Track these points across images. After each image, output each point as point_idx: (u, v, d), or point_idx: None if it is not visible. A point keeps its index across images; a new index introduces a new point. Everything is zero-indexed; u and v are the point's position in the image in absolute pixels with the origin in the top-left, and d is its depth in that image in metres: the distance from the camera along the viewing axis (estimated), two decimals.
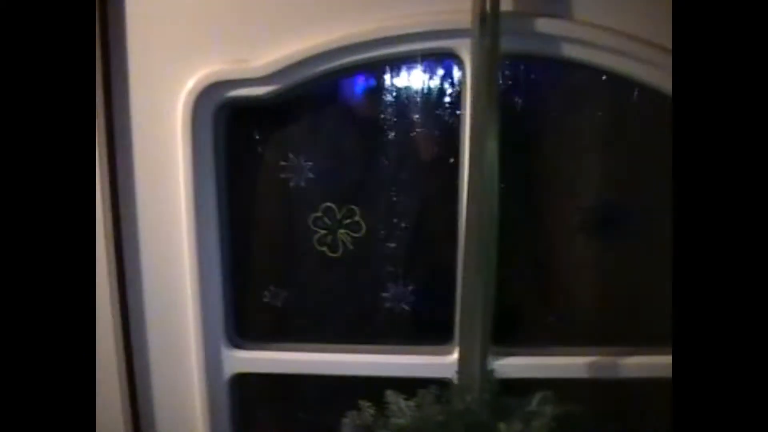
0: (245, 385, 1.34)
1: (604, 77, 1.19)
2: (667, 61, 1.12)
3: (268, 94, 1.18)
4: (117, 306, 1.25)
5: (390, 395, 1.17)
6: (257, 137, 1.27)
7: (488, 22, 1.05)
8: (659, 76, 1.15)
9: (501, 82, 1.19)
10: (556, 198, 1.29)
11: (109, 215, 1.21)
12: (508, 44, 1.09)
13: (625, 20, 1.13)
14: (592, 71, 1.17)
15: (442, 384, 1.19)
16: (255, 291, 1.33)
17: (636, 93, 1.20)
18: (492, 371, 1.17)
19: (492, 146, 1.05)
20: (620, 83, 1.18)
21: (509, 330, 1.28)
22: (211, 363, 1.29)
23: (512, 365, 1.26)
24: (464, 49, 1.14)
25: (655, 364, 1.28)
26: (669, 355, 1.22)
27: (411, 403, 1.10)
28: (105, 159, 1.19)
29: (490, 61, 1.05)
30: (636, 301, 1.33)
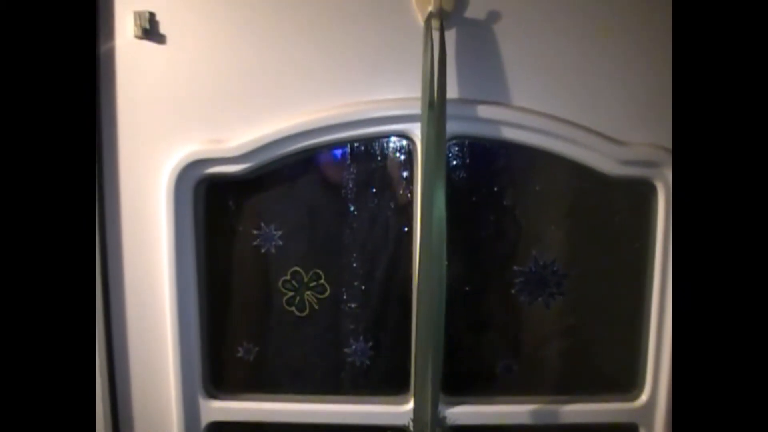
0: None
1: (539, 154, 1.28)
2: (590, 140, 1.24)
3: (242, 170, 1.27)
4: (104, 358, 1.33)
5: None
6: (232, 208, 1.35)
7: (436, 108, 1.14)
8: (586, 154, 1.26)
9: (448, 160, 1.29)
10: (499, 261, 1.37)
11: (99, 277, 1.30)
12: (453, 128, 1.21)
13: (555, 105, 1.25)
14: (530, 150, 1.27)
15: (399, 430, 1.30)
16: (229, 346, 1.39)
17: (568, 168, 1.29)
18: (444, 418, 1.27)
19: (440, 215, 1.13)
20: (554, 159, 1.28)
21: (462, 380, 1.36)
22: (189, 412, 1.35)
23: (463, 413, 1.33)
24: (416, 131, 1.24)
25: (596, 410, 1.36)
26: (609, 401, 1.36)
27: None
28: (97, 227, 1.28)
29: (437, 142, 1.14)
30: (578, 350, 1.41)
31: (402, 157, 1.33)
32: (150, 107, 1.27)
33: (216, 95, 1.26)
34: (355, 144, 1.33)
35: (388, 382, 1.39)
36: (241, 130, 1.26)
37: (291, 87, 1.26)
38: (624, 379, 1.39)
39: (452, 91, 1.21)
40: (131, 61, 1.26)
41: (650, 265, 1.33)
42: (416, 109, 1.18)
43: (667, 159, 1.25)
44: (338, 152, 1.34)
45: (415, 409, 1.21)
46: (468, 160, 1.33)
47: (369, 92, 1.26)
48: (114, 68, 1.26)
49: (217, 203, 1.34)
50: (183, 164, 1.26)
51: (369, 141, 1.32)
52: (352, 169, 1.34)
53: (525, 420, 1.36)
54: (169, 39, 1.25)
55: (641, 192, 1.31)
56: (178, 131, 1.27)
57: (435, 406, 1.18)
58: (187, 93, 1.26)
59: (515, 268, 1.36)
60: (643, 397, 1.36)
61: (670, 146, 1.24)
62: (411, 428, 1.22)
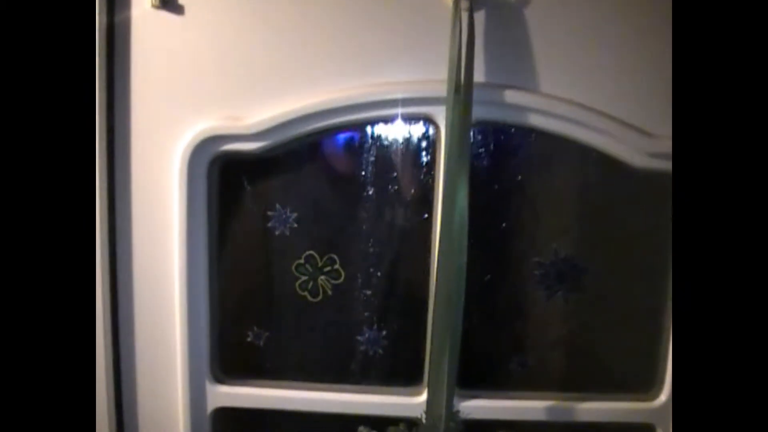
0: (227, 418, 1.36)
1: (565, 143, 1.25)
2: (619, 130, 1.21)
3: (258, 149, 1.24)
4: (109, 339, 1.30)
5: (362, 430, 1.24)
6: (247, 188, 1.31)
7: (462, 92, 1.11)
8: (614, 145, 1.23)
9: (472, 145, 1.25)
10: (519, 253, 1.34)
11: (107, 257, 1.27)
12: (479, 112, 1.17)
13: (584, 93, 1.21)
14: (555, 138, 1.24)
15: (410, 422, 1.25)
16: (239, 330, 1.36)
17: (594, 159, 1.26)
18: (457, 412, 1.23)
19: (462, 204, 1.10)
20: (580, 150, 1.25)
21: (475, 374, 1.33)
22: (196, 396, 1.32)
23: (477, 407, 1.31)
24: (440, 115, 1.21)
25: (612, 409, 1.34)
26: (624, 401, 1.33)
27: None
28: (105, 205, 1.25)
29: (462, 127, 1.11)
30: (593, 349, 1.39)
31: (424, 142, 1.29)
32: (165, 81, 1.23)
33: (234, 70, 1.22)
34: (377, 126, 1.29)
35: (401, 373, 1.37)
36: (258, 108, 1.23)
37: (312, 65, 1.22)
38: (642, 378, 1.37)
39: (479, 75, 1.17)
40: (147, 32, 1.22)
41: (671, 263, 1.28)
42: (441, 92, 1.15)
43: None
44: (358, 134, 1.30)
45: (429, 402, 1.18)
46: (492, 147, 1.29)
47: (393, 73, 1.22)
48: (129, 39, 1.22)
49: (231, 183, 1.31)
50: (198, 140, 1.23)
51: (391, 123, 1.28)
52: (371, 152, 1.30)
53: (539, 416, 1.33)
54: (187, 10, 1.20)
55: (667, 187, 1.26)
56: (194, 107, 1.23)
57: (450, 399, 1.16)
58: (204, 67, 1.22)
59: (535, 260, 1.33)
60: (662, 398, 1.34)
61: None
62: (423, 421, 1.19)
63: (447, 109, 1.14)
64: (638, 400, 1.35)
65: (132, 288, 1.30)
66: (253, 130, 1.22)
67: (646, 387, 1.36)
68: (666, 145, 1.22)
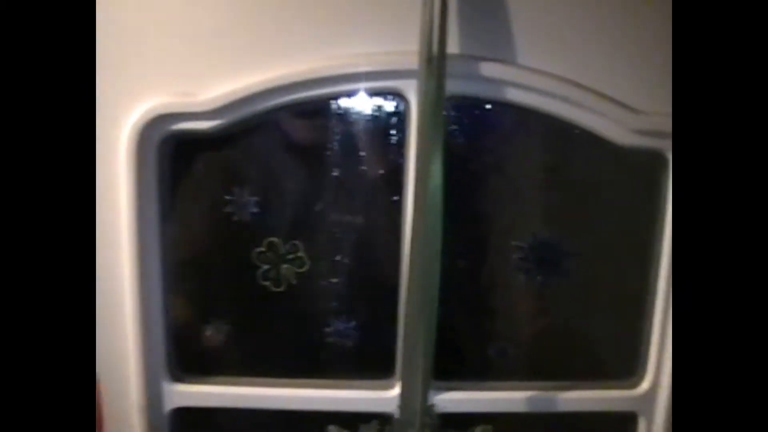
0: (186, 419, 1.29)
1: (547, 122, 1.18)
2: (602, 105, 1.14)
3: (213, 128, 1.15)
4: None
5: (332, 430, 1.17)
6: (202, 171, 1.24)
7: (435, 63, 1.04)
8: (596, 120, 1.16)
9: (445, 122, 1.17)
10: (497, 236, 1.29)
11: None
12: (453, 86, 1.09)
13: (566, 66, 1.14)
14: (534, 114, 1.17)
15: (383, 419, 1.20)
16: (197, 324, 1.29)
17: (576, 136, 1.19)
18: (433, 406, 1.17)
19: (436, 184, 1.03)
20: (561, 126, 1.18)
21: (451, 364, 1.26)
22: (153, 396, 1.25)
23: (453, 400, 1.25)
24: (411, 89, 1.13)
25: (594, 397, 1.30)
26: (607, 389, 1.29)
27: None
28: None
29: (435, 102, 1.04)
30: (574, 335, 1.34)
31: (394, 118, 1.21)
32: (112, 54, 1.11)
33: (188, 43, 1.13)
34: (341, 102, 1.20)
35: (373, 366, 1.29)
36: (213, 84, 1.13)
37: (272, 37, 1.12)
38: (624, 365, 1.32)
39: (453, 46, 1.09)
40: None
41: (657, 248, 1.25)
42: (412, 64, 1.06)
43: None
44: (322, 111, 1.21)
45: (402, 395, 1.12)
46: (467, 124, 1.21)
47: (359, 44, 1.12)
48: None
49: (185, 164, 1.22)
50: (147, 118, 1.12)
51: (357, 99, 1.20)
52: (336, 130, 1.22)
53: (519, 408, 1.28)
54: None
55: (652, 166, 1.22)
56: (143, 81, 1.13)
57: (425, 393, 1.10)
58: (154, 38, 1.12)
59: (513, 243, 1.26)
60: (644, 385, 1.29)
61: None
62: (397, 417, 1.13)
63: (419, 83, 1.06)
64: (621, 387, 1.31)
65: None
66: (207, 107, 1.13)
67: (629, 375, 1.32)
68: (653, 122, 1.15)
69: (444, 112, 1.08)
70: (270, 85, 1.12)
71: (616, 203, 1.27)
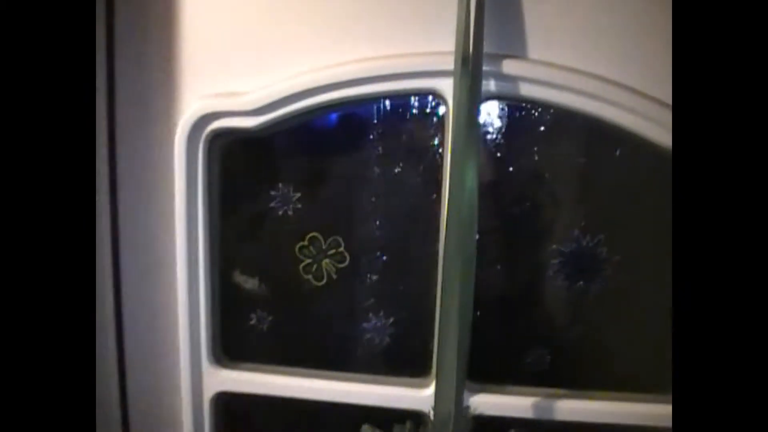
0: (227, 403, 1.33)
1: (586, 123, 1.15)
2: (645, 107, 1.10)
3: (257, 125, 1.18)
4: (112, 321, 1.29)
5: (366, 430, 1.18)
6: (249, 167, 1.28)
7: (470, 63, 1.04)
8: (640, 122, 1.12)
9: (482, 122, 1.17)
10: (537, 239, 1.25)
11: (108, 237, 1.26)
12: (489, 86, 1.10)
13: (606, 67, 1.11)
14: (575, 116, 1.14)
15: (417, 417, 1.20)
16: (242, 313, 1.32)
17: (618, 140, 1.16)
18: (467, 407, 1.17)
19: (471, 185, 1.04)
20: (604, 129, 1.14)
21: (487, 366, 1.24)
22: (196, 380, 1.29)
23: (488, 402, 1.23)
24: (447, 89, 1.12)
25: (632, 411, 1.23)
26: (646, 402, 1.23)
27: None
28: (106, 184, 1.24)
29: (471, 101, 1.04)
30: (613, 346, 1.28)
31: (433, 118, 1.21)
32: (159, 56, 1.19)
33: (233, 44, 1.18)
34: (382, 101, 1.21)
35: (408, 363, 1.30)
36: (258, 83, 1.17)
37: (314, 38, 1.16)
38: (667, 379, 1.25)
39: (490, 45, 1.08)
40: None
41: None
42: (449, 64, 1.07)
43: None
44: (363, 110, 1.23)
45: (437, 394, 1.12)
46: (505, 124, 1.20)
47: (398, 45, 1.14)
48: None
49: (231, 161, 1.26)
50: (195, 117, 1.18)
51: (396, 98, 1.21)
52: (377, 129, 1.23)
53: (556, 415, 1.24)
54: None
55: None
56: (190, 82, 1.19)
57: (459, 393, 1.10)
58: (202, 40, 1.18)
59: (554, 247, 1.23)
60: None
61: None
62: (431, 417, 1.13)
63: (455, 83, 1.06)
64: (662, 402, 1.23)
65: (134, 270, 1.29)
66: (252, 106, 1.17)
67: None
68: None
69: (479, 113, 1.08)
70: (311, 84, 1.15)
71: (660, 208, 1.21)
